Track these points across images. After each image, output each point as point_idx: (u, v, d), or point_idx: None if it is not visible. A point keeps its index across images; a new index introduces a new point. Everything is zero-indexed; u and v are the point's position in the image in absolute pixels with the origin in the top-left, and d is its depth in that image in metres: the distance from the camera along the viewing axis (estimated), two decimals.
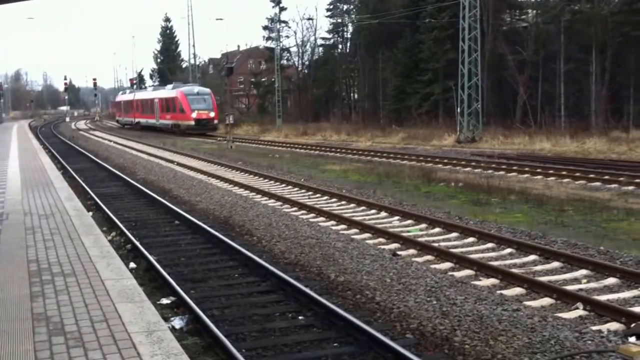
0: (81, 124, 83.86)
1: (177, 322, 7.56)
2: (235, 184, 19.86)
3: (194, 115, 50.49)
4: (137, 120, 64.97)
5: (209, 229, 12.44)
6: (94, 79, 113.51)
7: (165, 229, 13.35)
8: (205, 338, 7.08)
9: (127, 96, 72.32)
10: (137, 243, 11.31)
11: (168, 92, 55.60)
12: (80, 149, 36.32)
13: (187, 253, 11.15)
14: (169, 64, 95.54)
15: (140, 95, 66.04)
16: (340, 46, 68.89)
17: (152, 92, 62.32)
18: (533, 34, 43.09)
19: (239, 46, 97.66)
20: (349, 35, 66.90)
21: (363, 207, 15.28)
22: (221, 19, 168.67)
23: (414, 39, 49.09)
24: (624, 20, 37.16)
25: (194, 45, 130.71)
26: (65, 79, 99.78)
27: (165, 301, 8.36)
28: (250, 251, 10.61)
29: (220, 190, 18.32)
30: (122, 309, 6.01)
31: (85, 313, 5.95)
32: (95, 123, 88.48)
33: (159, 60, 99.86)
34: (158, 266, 9.69)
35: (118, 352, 4.99)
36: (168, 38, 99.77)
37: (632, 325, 7.11)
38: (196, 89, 54.17)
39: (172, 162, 27.46)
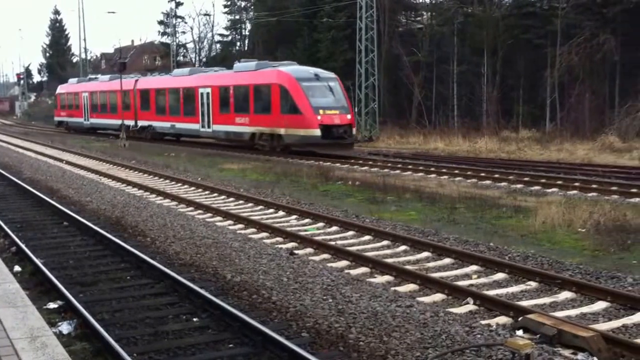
0: None
1: (65, 327, 7.24)
2: (129, 183, 19.30)
3: (318, 117, 26.80)
4: (151, 124, 39.25)
5: (99, 230, 11.99)
6: None
7: (53, 231, 12.77)
8: (94, 343, 6.81)
9: (110, 83, 43.50)
10: (23, 245, 10.76)
11: (251, 75, 30.58)
12: None
13: (77, 255, 10.71)
14: (58, 58, 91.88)
15: (163, 81, 39.20)
16: (238, 43, 68.46)
17: (197, 77, 35.04)
18: (427, 36, 44.36)
19: (133, 41, 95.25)
20: (247, 33, 66.63)
21: (261, 207, 15.20)
22: (113, 12, 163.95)
23: (312, 38, 49.45)
24: (514, 24, 38.89)
25: (85, 39, 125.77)
26: None
27: (52, 305, 7.99)
28: (143, 252, 10.30)
29: (112, 189, 17.74)
30: (3, 314, 5.72)
31: None
32: None
33: (47, 54, 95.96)
34: (44, 269, 9.25)
35: None
36: (58, 31, 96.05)
37: (520, 319, 7.39)
38: (312, 70, 29.85)
39: (60, 160, 26.39)
